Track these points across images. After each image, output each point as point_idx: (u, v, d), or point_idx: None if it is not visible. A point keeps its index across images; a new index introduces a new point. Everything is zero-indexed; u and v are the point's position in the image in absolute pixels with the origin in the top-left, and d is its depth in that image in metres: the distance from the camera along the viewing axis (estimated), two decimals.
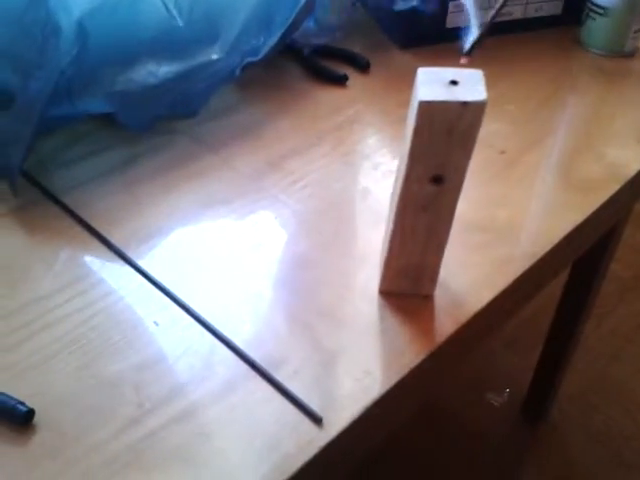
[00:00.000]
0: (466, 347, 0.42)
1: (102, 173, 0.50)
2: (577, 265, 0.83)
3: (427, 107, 0.30)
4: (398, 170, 0.35)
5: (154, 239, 0.44)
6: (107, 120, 0.53)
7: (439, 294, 0.40)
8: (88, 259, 0.43)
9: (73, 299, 0.40)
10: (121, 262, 0.42)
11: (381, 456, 0.93)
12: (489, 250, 0.43)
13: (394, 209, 0.36)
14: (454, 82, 0.31)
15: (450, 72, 0.31)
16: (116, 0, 0.46)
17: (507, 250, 0.43)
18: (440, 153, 0.32)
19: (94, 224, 0.45)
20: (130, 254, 0.43)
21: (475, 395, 1.06)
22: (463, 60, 0.35)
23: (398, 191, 0.35)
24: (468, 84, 0.31)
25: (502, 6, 0.31)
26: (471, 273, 0.41)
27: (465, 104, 0.30)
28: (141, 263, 0.42)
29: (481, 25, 0.31)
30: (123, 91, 0.47)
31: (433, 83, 0.31)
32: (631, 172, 0.50)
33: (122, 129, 0.53)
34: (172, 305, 0.39)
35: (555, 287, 0.91)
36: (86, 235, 0.45)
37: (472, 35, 0.32)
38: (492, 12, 0.31)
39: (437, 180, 0.33)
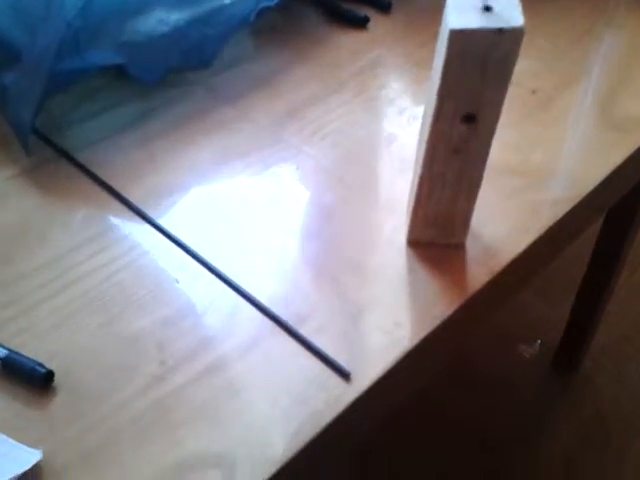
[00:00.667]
0: (500, 297, 0.40)
1: (116, 129, 0.48)
2: (612, 212, 0.80)
3: (459, 36, 0.28)
4: (426, 110, 0.33)
5: (172, 196, 0.43)
6: (119, 74, 0.50)
7: (471, 242, 0.38)
8: (105, 217, 0.42)
9: (91, 258, 0.38)
10: (140, 220, 0.41)
11: (409, 409, 0.93)
12: (523, 195, 0.40)
13: (422, 153, 0.34)
14: (488, 7, 0.28)
15: None
16: None
17: (542, 195, 0.40)
18: (473, 88, 0.29)
19: (110, 182, 0.44)
20: (148, 211, 0.41)
21: (505, 346, 1.05)
22: None
23: (426, 133, 0.33)
24: (503, 9, 0.28)
25: None
26: (504, 220, 0.39)
27: (501, 31, 0.27)
28: (160, 220, 0.41)
29: None
30: (133, 41, 0.45)
31: (465, 8, 0.28)
32: None
33: (135, 83, 0.50)
34: (193, 262, 0.38)
35: (588, 234, 0.88)
36: (102, 193, 0.43)
37: None
38: None
39: (469, 119, 0.31)
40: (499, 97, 0.30)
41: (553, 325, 1.01)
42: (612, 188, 0.45)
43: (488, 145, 0.32)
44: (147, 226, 0.41)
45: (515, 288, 0.42)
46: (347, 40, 0.57)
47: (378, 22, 0.58)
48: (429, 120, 0.32)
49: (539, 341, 1.04)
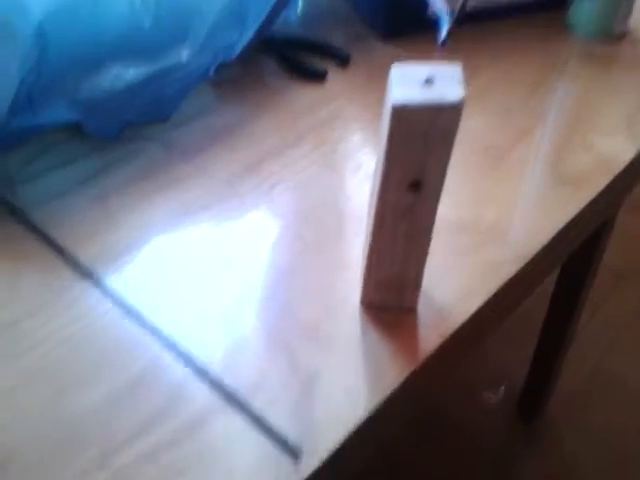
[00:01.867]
0: (455, 359, 0.40)
1: (71, 186, 0.48)
2: (570, 257, 0.81)
3: (401, 111, 0.28)
4: (375, 176, 0.33)
5: (124, 256, 0.42)
6: (75, 129, 0.50)
7: (423, 305, 0.38)
8: (55, 281, 0.40)
9: (39, 328, 0.37)
10: (89, 283, 0.40)
11: (374, 461, 0.92)
12: (475, 254, 0.41)
13: (372, 217, 0.34)
14: (430, 80, 0.28)
15: (426, 68, 0.29)
16: (77, 2, 0.44)
17: (495, 253, 0.41)
18: (417, 158, 0.30)
19: (62, 242, 0.43)
20: (99, 274, 0.40)
21: (470, 393, 1.04)
22: (439, 52, 0.33)
23: (375, 198, 0.33)
24: (445, 82, 0.28)
25: None
26: (457, 280, 0.39)
27: (440, 107, 0.28)
28: (110, 283, 0.40)
29: (452, 13, 0.29)
30: (88, 97, 0.45)
31: (407, 82, 0.28)
32: (622, 162, 0.47)
33: (91, 138, 0.50)
34: (142, 330, 0.37)
35: (548, 279, 0.89)
36: (53, 255, 0.42)
37: (445, 25, 0.29)
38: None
39: (415, 186, 0.31)
40: (443, 165, 0.30)
41: (517, 370, 1.02)
42: (566, 242, 0.46)
43: (435, 210, 0.33)
44: (96, 290, 0.40)
45: (471, 348, 0.42)
46: (307, 93, 0.57)
47: (337, 75, 0.59)
48: (377, 186, 0.32)
49: (503, 387, 1.04)
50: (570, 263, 0.82)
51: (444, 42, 0.30)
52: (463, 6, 0.28)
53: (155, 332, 0.37)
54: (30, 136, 0.48)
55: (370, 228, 0.34)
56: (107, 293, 0.39)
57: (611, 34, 0.61)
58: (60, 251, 0.42)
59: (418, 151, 0.30)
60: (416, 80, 0.28)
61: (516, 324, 1.14)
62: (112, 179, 0.48)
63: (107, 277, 0.40)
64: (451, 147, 0.30)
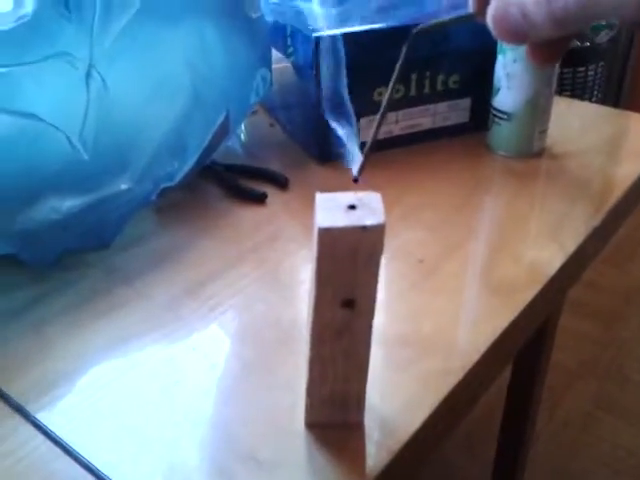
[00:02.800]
0: (406, 473, 0.39)
1: (5, 316, 0.47)
2: (519, 360, 0.83)
3: (327, 234, 0.29)
4: (310, 296, 0.34)
5: (58, 388, 0.40)
6: (11, 257, 0.50)
7: (369, 420, 0.37)
8: None
9: None
10: (20, 418, 0.38)
11: None
12: (415, 366, 0.41)
13: (309, 337, 0.34)
14: (352, 206, 0.30)
15: (348, 197, 0.31)
16: (14, 138, 0.45)
17: (434, 365, 0.41)
18: (347, 277, 0.31)
19: None
20: (30, 408, 0.39)
21: None
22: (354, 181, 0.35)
23: (311, 317, 0.33)
24: (367, 207, 0.30)
25: (379, 126, 0.31)
26: (400, 394, 0.39)
27: (364, 228, 0.29)
28: (42, 417, 0.38)
29: (362, 147, 0.31)
30: (23, 230, 0.45)
31: (332, 209, 0.30)
32: (551, 271, 0.50)
33: (29, 267, 0.50)
34: (75, 465, 0.35)
35: (501, 382, 0.90)
36: None
37: (357, 160, 0.31)
38: (372, 132, 0.31)
39: (348, 304, 0.32)
40: (373, 283, 0.31)
41: (481, 478, 0.99)
42: (504, 349, 0.47)
43: (370, 326, 0.33)
44: (28, 425, 0.38)
45: (422, 459, 0.41)
46: (247, 215, 0.59)
47: (276, 198, 0.61)
48: (312, 307, 0.33)
49: None
50: (520, 364, 0.83)
51: (356, 179, 0.32)
52: (374, 138, 0.31)
53: (88, 467, 0.35)
54: None
55: (309, 347, 0.34)
56: (38, 427, 0.37)
57: (530, 152, 0.66)
58: None
59: (347, 271, 0.31)
60: (339, 207, 0.30)
61: (476, 432, 1.12)
62: (49, 308, 0.48)
63: (38, 411, 0.39)
64: (378, 266, 0.31)
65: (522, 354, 0.80)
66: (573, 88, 1.94)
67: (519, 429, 0.89)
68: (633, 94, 2.31)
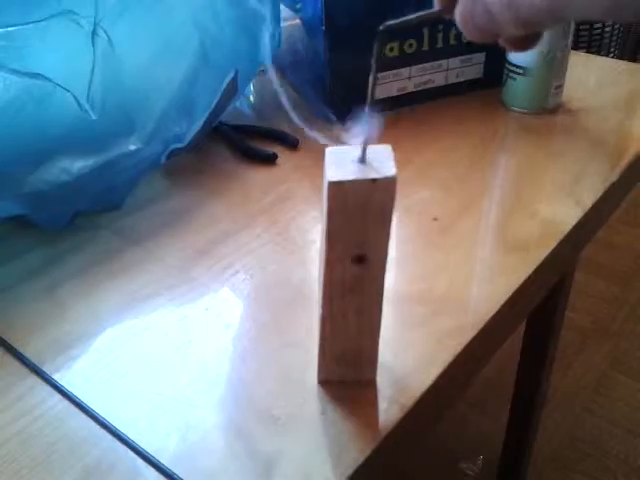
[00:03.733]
0: (420, 430, 0.39)
1: (19, 279, 0.47)
2: (532, 320, 0.82)
3: (337, 187, 0.29)
4: (320, 253, 0.33)
5: (74, 348, 0.41)
6: (23, 220, 0.50)
7: (381, 377, 0.37)
8: (3, 378, 0.39)
9: None
10: (37, 378, 0.39)
11: None
12: (430, 324, 0.41)
13: (321, 294, 0.34)
14: (362, 160, 0.29)
15: (357, 150, 0.30)
16: (22, 99, 0.45)
17: (449, 322, 0.41)
18: (358, 232, 0.30)
19: (9, 336, 0.42)
20: (47, 368, 0.39)
21: (448, 465, 1.02)
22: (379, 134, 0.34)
23: (322, 274, 0.33)
24: (377, 161, 0.29)
25: (374, 87, 0.30)
26: (413, 351, 0.39)
27: (375, 181, 0.28)
28: (58, 377, 0.38)
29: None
30: (34, 191, 0.45)
31: (342, 162, 0.29)
32: (566, 227, 0.49)
33: (40, 229, 0.50)
34: (91, 423, 0.36)
35: (515, 342, 0.90)
36: (0, 351, 0.41)
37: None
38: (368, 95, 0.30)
39: (359, 260, 0.31)
40: (384, 238, 0.31)
41: (494, 437, 1.00)
42: (518, 307, 0.46)
43: (381, 282, 0.33)
44: (45, 385, 0.38)
45: (435, 418, 0.41)
46: (258, 176, 0.59)
47: (287, 158, 0.61)
48: (322, 263, 0.32)
49: (481, 457, 1.02)
50: (533, 324, 0.83)
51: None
52: (371, 95, 0.30)
53: (105, 425, 0.35)
54: None
55: (320, 304, 0.34)
56: (54, 387, 0.38)
57: (545, 108, 0.64)
58: (7, 347, 0.41)
59: (358, 226, 0.30)
60: (350, 160, 0.29)
61: (489, 391, 1.13)
62: (61, 270, 0.48)
63: (54, 371, 0.39)
64: (390, 221, 0.30)
65: (536, 312, 0.79)
66: (589, 44, 1.88)
67: (532, 388, 0.89)
68: None
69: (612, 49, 1.97)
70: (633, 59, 2.23)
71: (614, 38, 1.94)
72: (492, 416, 1.09)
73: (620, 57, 2.07)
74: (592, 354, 1.32)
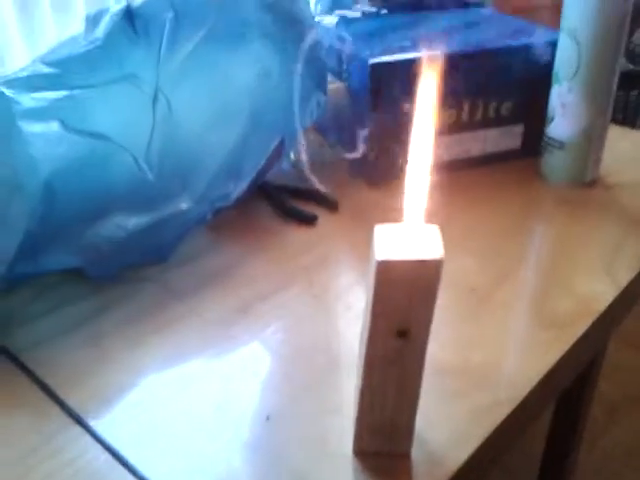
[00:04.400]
0: None
1: (67, 327, 0.49)
2: (563, 392, 0.81)
3: (385, 266, 0.30)
4: (363, 326, 0.35)
5: (115, 400, 0.42)
6: (70, 272, 0.52)
7: (416, 451, 0.37)
8: (46, 426, 0.40)
9: (29, 472, 0.37)
10: (79, 428, 0.40)
11: None
12: (465, 397, 0.41)
13: (361, 364, 0.35)
14: (410, 239, 0.31)
15: (405, 228, 0.31)
16: (85, 158, 0.47)
17: (484, 397, 0.41)
18: (402, 308, 0.31)
19: (53, 384, 0.43)
20: (89, 418, 0.40)
21: None
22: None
23: (364, 347, 0.34)
24: (425, 240, 0.31)
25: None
26: (449, 424, 0.39)
27: (423, 262, 0.30)
28: (99, 429, 0.40)
29: None
30: (90, 245, 0.47)
31: (390, 240, 0.31)
32: (602, 306, 0.49)
33: (88, 280, 0.52)
34: (130, 477, 0.37)
35: (546, 413, 0.88)
36: (44, 397, 0.42)
37: None
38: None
39: (402, 334, 0.32)
40: (428, 315, 0.32)
41: None
42: (553, 383, 0.46)
43: (423, 357, 0.34)
44: (86, 435, 0.39)
45: None
46: (297, 236, 0.60)
47: (326, 219, 0.62)
48: (366, 336, 0.33)
49: None
50: (564, 398, 0.82)
51: None
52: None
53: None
54: (29, 281, 0.50)
55: (360, 375, 0.35)
56: (96, 439, 0.39)
57: (583, 181, 0.65)
58: (51, 395, 0.42)
59: (403, 303, 0.31)
60: (398, 238, 0.31)
61: (516, 460, 1.10)
62: (107, 320, 0.49)
63: (97, 422, 0.40)
64: (434, 299, 0.31)
65: (566, 387, 0.78)
66: (625, 111, 1.90)
67: (561, 460, 0.87)
68: None
69: None
70: None
71: None
72: None
73: None
74: (620, 427, 1.28)
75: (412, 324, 0.32)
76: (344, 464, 0.37)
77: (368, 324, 0.33)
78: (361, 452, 0.37)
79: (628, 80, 1.91)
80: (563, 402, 0.81)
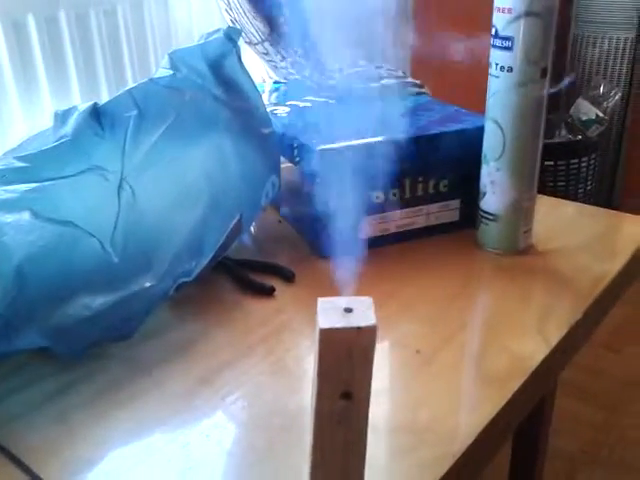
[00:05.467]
0: None
1: (35, 404, 0.51)
2: (517, 445, 0.85)
3: (327, 333, 0.34)
4: (312, 390, 0.38)
5: (85, 472, 0.44)
6: (42, 350, 0.55)
7: None
8: None
9: None
10: None
11: None
12: (414, 453, 0.45)
13: (312, 427, 0.38)
14: (348, 310, 0.35)
15: (344, 300, 0.36)
16: (55, 244, 0.51)
17: (430, 451, 0.45)
18: (344, 372, 0.35)
19: (26, 459, 0.45)
20: None
21: None
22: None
23: (313, 407, 0.38)
24: (360, 310, 0.35)
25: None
26: (398, 479, 0.43)
27: (359, 329, 0.34)
28: None
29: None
30: (57, 325, 0.50)
31: (331, 311, 0.35)
32: (534, 363, 0.54)
33: (54, 359, 0.55)
34: None
35: (503, 465, 0.91)
36: (18, 471, 0.44)
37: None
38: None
39: (346, 396, 0.36)
40: (367, 376, 0.36)
41: None
42: (494, 435, 0.50)
43: (366, 416, 0.37)
44: None
45: None
46: (257, 307, 0.64)
47: (284, 290, 0.67)
48: (314, 398, 0.37)
49: None
50: (520, 448, 0.85)
51: None
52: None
53: None
54: (2, 360, 0.53)
55: (312, 435, 0.38)
56: None
57: (516, 249, 0.72)
58: (24, 469, 0.44)
59: (345, 366, 0.35)
60: (338, 309, 0.35)
61: None
62: (74, 397, 0.52)
63: None
64: (372, 362, 0.35)
65: (520, 436, 0.82)
66: (567, 180, 2.03)
67: None
68: (627, 183, 2.40)
69: (589, 182, 2.11)
70: (610, 192, 2.38)
71: (590, 173, 2.09)
72: None
73: (598, 190, 2.21)
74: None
75: (354, 387, 0.36)
76: None
77: (315, 387, 0.37)
78: None
79: (569, 150, 2.05)
80: (518, 455, 0.84)
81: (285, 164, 0.75)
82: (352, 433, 0.38)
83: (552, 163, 1.96)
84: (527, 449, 0.83)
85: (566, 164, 2.00)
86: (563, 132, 2.13)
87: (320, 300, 0.36)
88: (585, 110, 2.13)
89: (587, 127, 2.08)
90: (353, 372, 0.36)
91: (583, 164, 2.01)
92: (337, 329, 0.34)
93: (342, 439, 0.38)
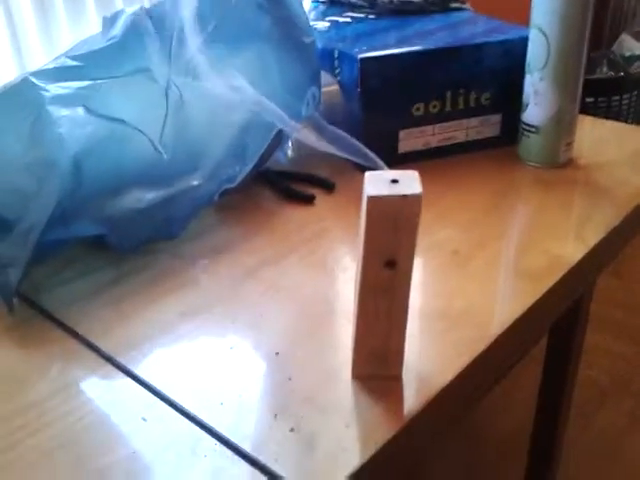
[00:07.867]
0: (438, 422, 0.45)
1: (91, 292, 0.54)
2: (549, 358, 0.86)
3: (374, 201, 0.36)
4: (358, 260, 0.40)
5: (140, 346, 0.48)
6: (94, 246, 0.58)
7: (407, 374, 0.43)
8: (80, 366, 0.46)
9: (66, 402, 0.42)
10: (110, 366, 0.46)
11: None
12: (449, 334, 0.47)
13: (356, 297, 0.40)
14: (395, 181, 0.36)
15: (391, 174, 0.37)
16: (107, 139, 0.53)
17: (465, 334, 0.47)
18: (389, 240, 0.37)
19: (84, 335, 0.49)
20: (118, 359, 0.46)
21: None
22: None
23: (358, 277, 0.40)
24: (406, 182, 0.36)
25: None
26: (435, 355, 0.45)
27: (404, 197, 0.35)
28: (129, 366, 0.45)
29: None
30: (112, 215, 0.53)
31: (378, 182, 0.37)
32: (572, 261, 0.55)
33: (107, 252, 0.58)
34: (158, 402, 0.42)
35: (533, 388, 0.93)
36: (77, 345, 0.48)
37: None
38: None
39: (390, 265, 0.38)
40: (411, 246, 0.38)
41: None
42: (528, 327, 0.52)
43: (408, 285, 0.39)
44: (117, 372, 0.45)
45: (450, 414, 0.46)
46: (297, 214, 0.66)
47: (323, 200, 0.68)
48: (360, 267, 0.39)
49: None
50: (550, 363, 0.87)
51: None
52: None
53: (171, 403, 0.42)
54: (60, 249, 0.56)
55: (355, 307, 0.41)
56: (126, 373, 0.45)
57: (556, 162, 0.72)
58: (84, 342, 0.48)
59: (390, 235, 0.37)
60: (384, 181, 0.37)
61: (512, 440, 1.15)
62: (126, 286, 0.55)
63: (125, 361, 0.46)
64: (416, 231, 0.37)
65: (555, 336, 0.83)
66: (608, 116, 1.97)
67: (548, 442, 0.92)
68: None
69: (630, 121, 2.05)
70: None
71: (631, 110, 2.03)
72: (514, 463, 1.11)
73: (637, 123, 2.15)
74: (609, 413, 1.33)
75: (398, 255, 0.38)
76: (344, 387, 0.42)
77: (361, 257, 0.38)
78: (358, 377, 0.43)
79: (610, 87, 1.99)
80: (549, 370, 0.86)
81: (326, 87, 0.76)
82: (394, 303, 0.40)
83: (593, 100, 1.91)
84: (562, 347, 0.84)
85: (607, 101, 1.94)
86: (605, 69, 2.07)
87: (368, 173, 0.38)
88: (629, 46, 2.05)
89: (630, 63, 2.01)
90: (398, 240, 0.37)
91: (625, 101, 1.95)
92: (383, 196, 0.36)
93: (385, 309, 0.40)
